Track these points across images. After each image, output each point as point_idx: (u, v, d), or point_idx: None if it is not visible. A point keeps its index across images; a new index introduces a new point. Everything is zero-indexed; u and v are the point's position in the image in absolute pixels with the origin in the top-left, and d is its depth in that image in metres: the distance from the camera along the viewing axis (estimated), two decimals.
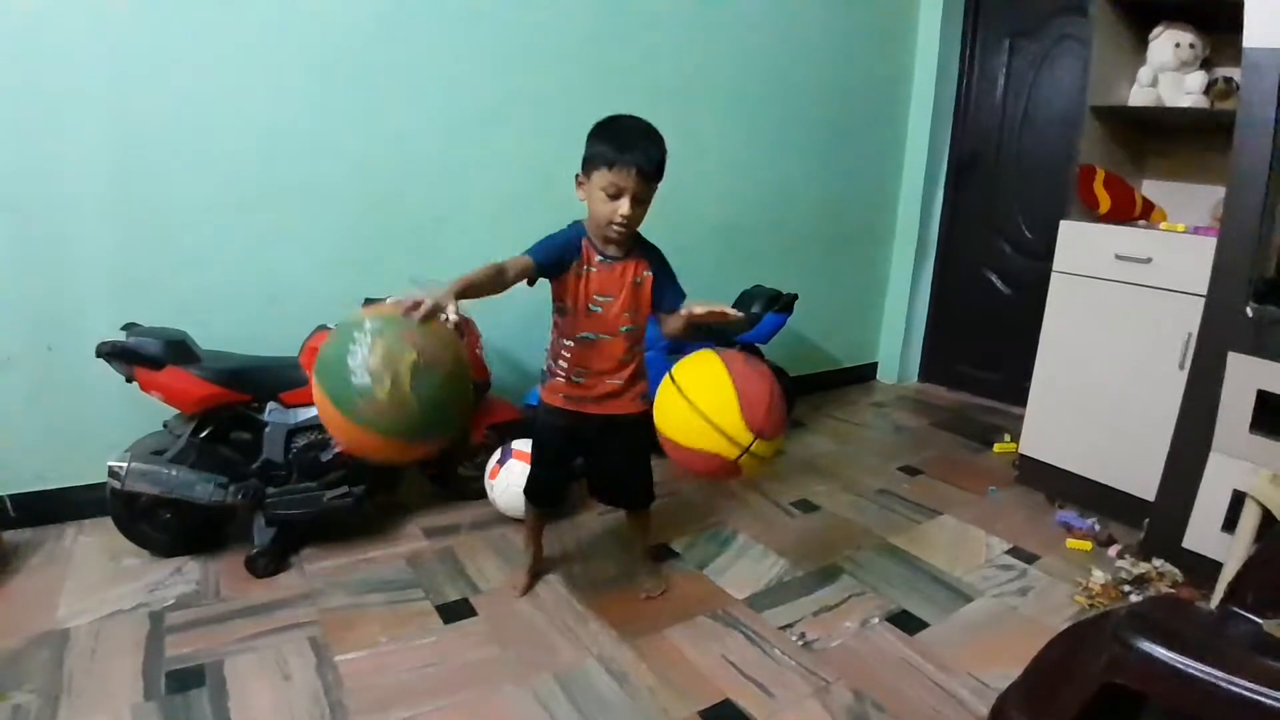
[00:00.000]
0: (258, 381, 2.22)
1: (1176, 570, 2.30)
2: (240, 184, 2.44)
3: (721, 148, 3.44)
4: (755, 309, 3.21)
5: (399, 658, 1.88)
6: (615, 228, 1.80)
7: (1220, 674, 0.88)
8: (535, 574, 2.23)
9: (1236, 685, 0.87)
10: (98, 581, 2.13)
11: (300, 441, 2.26)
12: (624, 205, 1.77)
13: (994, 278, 4.00)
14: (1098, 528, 2.60)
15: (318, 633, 1.96)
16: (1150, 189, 3.02)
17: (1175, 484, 2.35)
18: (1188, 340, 2.38)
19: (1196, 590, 2.21)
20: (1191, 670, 0.90)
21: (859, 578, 2.32)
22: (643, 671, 1.87)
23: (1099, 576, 2.29)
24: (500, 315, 2.56)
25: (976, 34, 3.96)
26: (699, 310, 1.80)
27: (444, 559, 2.33)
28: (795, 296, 3.30)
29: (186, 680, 1.76)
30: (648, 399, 1.97)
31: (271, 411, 2.23)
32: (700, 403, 1.69)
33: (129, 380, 2.09)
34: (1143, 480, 2.50)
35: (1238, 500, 2.09)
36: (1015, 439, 3.14)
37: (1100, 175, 2.76)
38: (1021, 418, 3.01)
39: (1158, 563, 2.34)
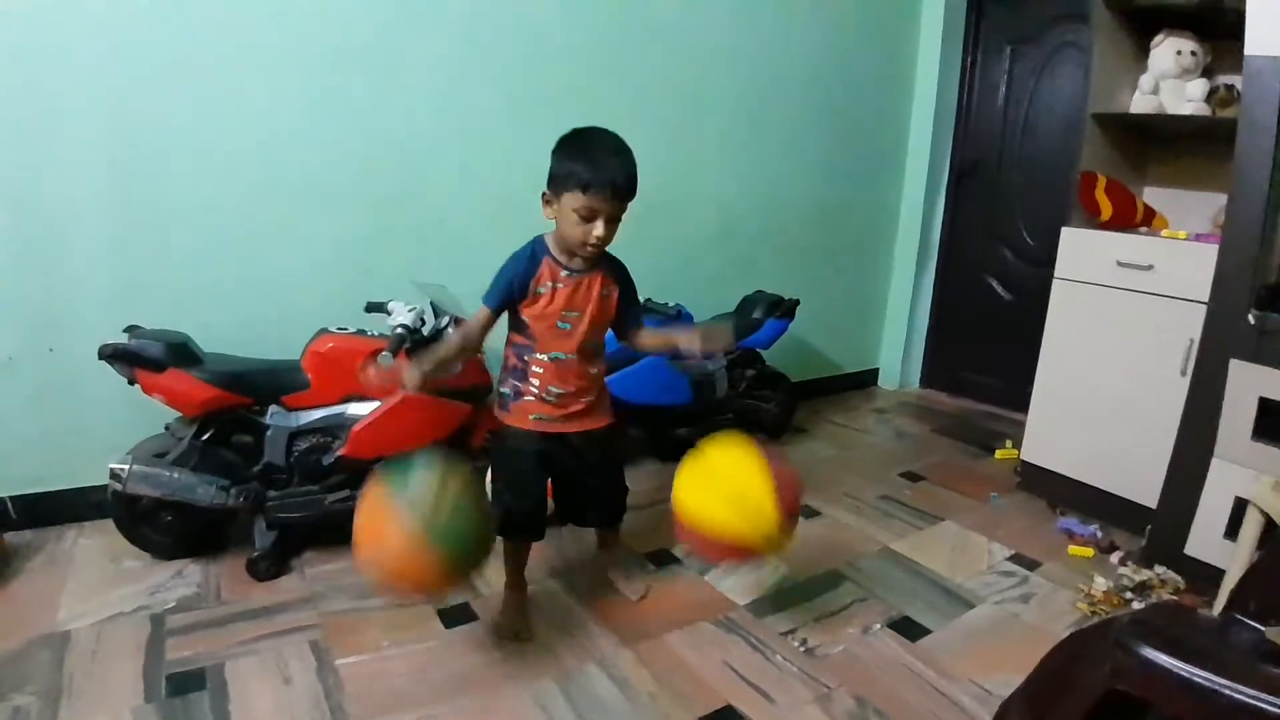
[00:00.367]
0: (259, 384, 2.22)
1: (1178, 577, 2.30)
2: (241, 186, 2.45)
3: (723, 153, 3.44)
4: (757, 314, 3.22)
5: (400, 662, 1.87)
6: (590, 248, 1.78)
7: (1223, 681, 0.88)
8: (525, 610, 2.07)
9: (1239, 692, 0.86)
10: (98, 584, 2.13)
11: (302, 445, 2.26)
12: (599, 227, 1.74)
13: (995, 284, 4.01)
14: (1099, 534, 2.59)
15: (319, 636, 1.95)
16: (1152, 196, 3.02)
17: (1177, 491, 2.35)
18: (1189, 347, 2.38)
19: (1198, 597, 2.21)
20: (1194, 677, 0.90)
21: (860, 584, 2.32)
22: (644, 677, 1.87)
23: (1101, 583, 2.28)
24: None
25: (978, 41, 3.97)
26: (697, 345, 1.83)
27: None
28: (797, 302, 3.31)
29: (187, 683, 1.75)
30: (613, 409, 2.02)
31: (273, 414, 2.23)
32: (730, 487, 1.72)
33: (131, 382, 2.09)
34: (1145, 487, 2.50)
35: (1240, 507, 2.09)
36: (1017, 445, 3.14)
37: (1102, 182, 2.77)
38: (1023, 424, 3.01)
39: (1160, 570, 2.33)
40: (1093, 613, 2.18)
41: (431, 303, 2.34)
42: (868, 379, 4.44)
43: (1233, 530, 2.11)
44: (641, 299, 2.07)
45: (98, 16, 2.18)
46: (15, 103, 2.14)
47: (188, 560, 2.24)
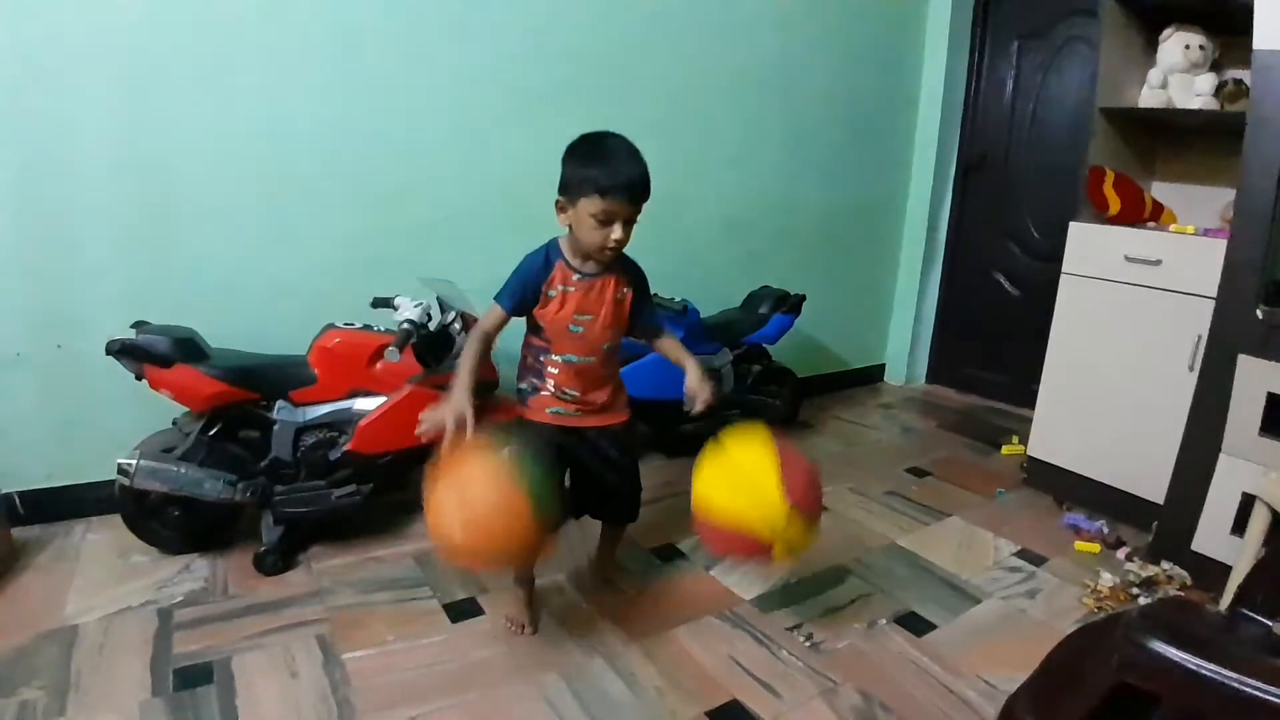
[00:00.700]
0: (266, 380, 2.23)
1: (1185, 573, 2.29)
2: (248, 183, 2.45)
3: (730, 149, 3.44)
4: (763, 310, 3.22)
5: (406, 656, 1.88)
6: (608, 252, 1.78)
7: (1231, 674, 0.88)
8: (533, 603, 2.07)
9: (1247, 685, 0.86)
10: (106, 578, 2.14)
11: (308, 440, 2.26)
12: (617, 231, 1.74)
13: (1002, 279, 4.00)
14: (1106, 530, 2.59)
15: (325, 631, 1.96)
16: (1160, 191, 3.01)
17: (1184, 486, 2.34)
18: (1197, 342, 2.37)
19: (1205, 593, 2.20)
20: (1202, 670, 0.90)
21: (866, 579, 2.32)
22: (650, 671, 1.87)
23: (1107, 579, 2.28)
24: None
25: (985, 36, 3.96)
26: (696, 408, 1.88)
27: None
28: (803, 297, 3.31)
29: (194, 677, 1.76)
30: (629, 405, 2.03)
31: (280, 410, 2.24)
32: (742, 479, 1.72)
33: (138, 378, 2.10)
34: (1152, 483, 2.49)
35: (1247, 503, 2.08)
36: (1023, 441, 3.14)
37: (1110, 177, 2.76)
38: (1029, 420, 3.00)
39: (1166, 565, 2.32)
40: (1099, 608, 2.18)
41: (438, 298, 2.34)
42: (874, 375, 4.44)
43: (1240, 526, 2.11)
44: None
45: (107, 18, 2.19)
46: (25, 103, 2.14)
47: (195, 555, 2.25)
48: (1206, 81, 2.66)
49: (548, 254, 1.84)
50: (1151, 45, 2.79)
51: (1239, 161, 2.18)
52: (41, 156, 2.19)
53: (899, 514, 2.76)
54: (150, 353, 2.07)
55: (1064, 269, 2.79)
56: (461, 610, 2.08)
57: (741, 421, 1.85)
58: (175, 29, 2.27)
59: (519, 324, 1.92)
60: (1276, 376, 2.11)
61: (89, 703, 1.67)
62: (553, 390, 1.90)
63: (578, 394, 1.90)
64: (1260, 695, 0.86)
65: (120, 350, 2.06)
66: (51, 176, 2.21)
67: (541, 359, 1.89)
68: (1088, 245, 2.72)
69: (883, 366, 4.47)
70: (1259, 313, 2.14)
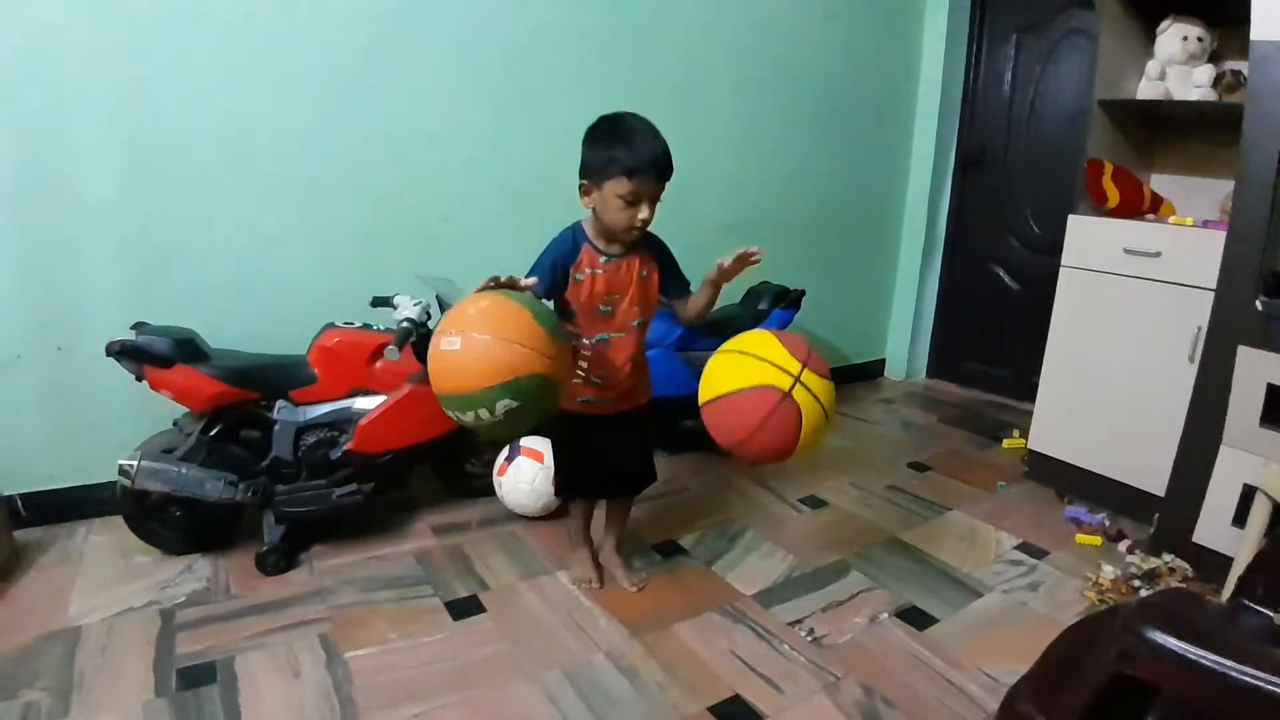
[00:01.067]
0: (267, 380, 2.23)
1: (1187, 565, 2.29)
2: (247, 183, 2.45)
3: (728, 144, 3.43)
4: (763, 305, 3.21)
5: (409, 654, 1.88)
6: (635, 231, 1.81)
7: (1231, 664, 0.88)
8: (595, 562, 2.23)
9: (1248, 675, 0.86)
10: (109, 579, 2.14)
11: (309, 439, 2.27)
12: (644, 210, 1.78)
13: (1002, 273, 3.99)
14: (1107, 523, 2.59)
15: (328, 630, 1.96)
16: (1159, 183, 3.00)
17: (1185, 478, 2.34)
18: (1197, 334, 2.37)
19: (1207, 585, 2.20)
20: (1203, 660, 0.89)
21: (868, 573, 2.32)
22: (652, 667, 1.87)
23: (1109, 571, 2.28)
24: None
25: (983, 28, 3.95)
26: (728, 263, 1.83)
27: (453, 556, 2.33)
28: (803, 292, 3.30)
29: (197, 677, 1.76)
30: (650, 389, 2.07)
31: (280, 409, 2.24)
32: (744, 346, 1.74)
33: (139, 379, 2.10)
34: (1153, 475, 2.49)
35: (1248, 494, 2.08)
36: (1024, 434, 3.13)
37: (1108, 169, 2.75)
38: (1030, 413, 3.00)
39: (1168, 557, 2.32)
40: (1101, 601, 2.18)
41: (437, 296, 2.34)
42: (874, 369, 4.43)
43: (1241, 517, 2.11)
44: None
45: (107, 17, 2.19)
46: (24, 103, 2.14)
47: (197, 555, 2.26)
48: (1205, 73, 2.65)
49: (574, 237, 1.87)
50: (1150, 37, 2.78)
51: (1238, 153, 2.17)
52: (41, 157, 2.19)
53: (900, 508, 2.76)
54: (150, 353, 2.08)
55: (1063, 262, 2.78)
56: (463, 608, 2.08)
57: None
58: (175, 29, 2.27)
59: None
60: (1277, 367, 2.10)
61: (92, 703, 1.67)
62: (584, 374, 1.93)
63: (607, 376, 1.93)
64: (1261, 685, 0.85)
65: (120, 351, 2.06)
66: (51, 177, 2.20)
67: (572, 345, 1.90)
68: (1087, 238, 2.71)
69: (883, 361, 4.46)
70: (1258, 304, 2.14)
